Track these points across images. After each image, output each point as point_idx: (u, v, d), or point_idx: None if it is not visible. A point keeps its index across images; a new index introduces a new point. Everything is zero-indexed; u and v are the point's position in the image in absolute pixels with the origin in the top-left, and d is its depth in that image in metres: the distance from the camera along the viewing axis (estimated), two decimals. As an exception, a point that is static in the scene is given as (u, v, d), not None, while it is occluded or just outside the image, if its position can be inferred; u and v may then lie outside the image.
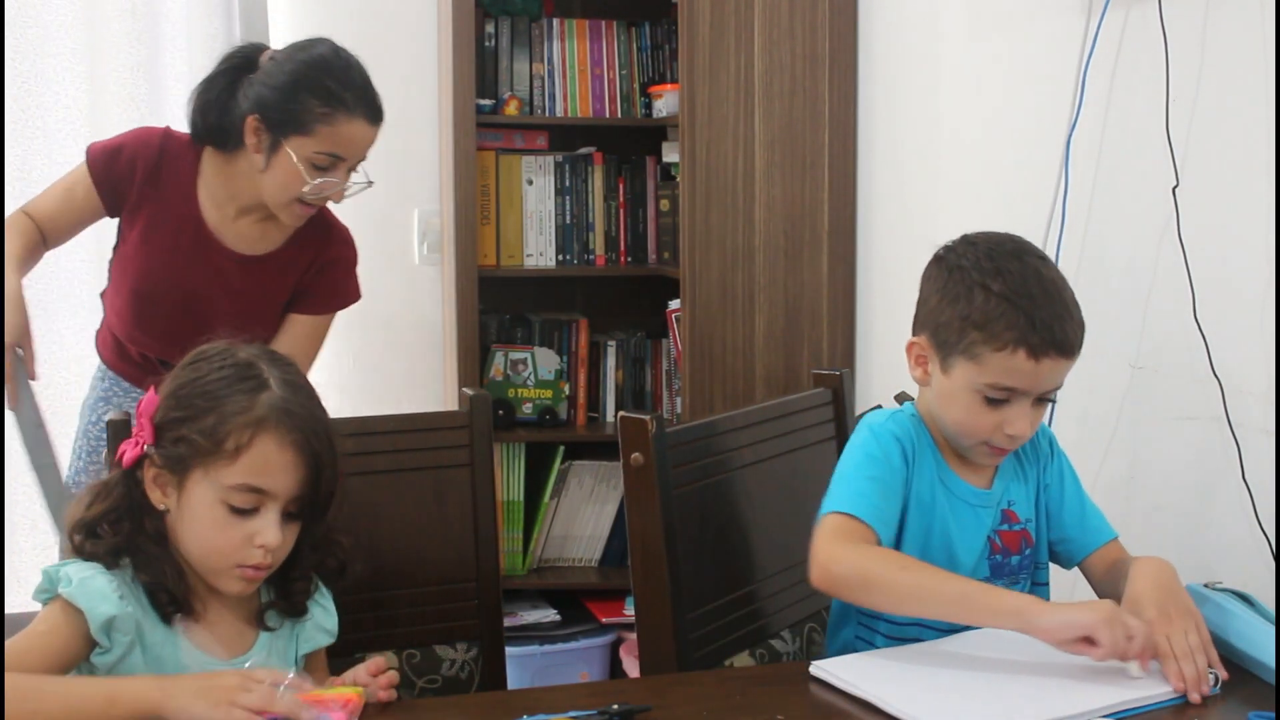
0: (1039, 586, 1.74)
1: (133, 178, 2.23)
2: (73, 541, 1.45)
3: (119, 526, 1.45)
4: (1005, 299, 1.55)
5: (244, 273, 2.28)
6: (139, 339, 2.31)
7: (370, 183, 2.25)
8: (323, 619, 1.54)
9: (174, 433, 1.44)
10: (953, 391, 1.61)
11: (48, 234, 2.30)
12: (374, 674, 1.44)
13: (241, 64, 2.23)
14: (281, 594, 1.51)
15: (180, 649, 1.44)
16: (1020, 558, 1.70)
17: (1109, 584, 1.66)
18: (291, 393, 1.46)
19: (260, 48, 2.27)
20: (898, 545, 1.64)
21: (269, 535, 1.42)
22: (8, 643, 1.38)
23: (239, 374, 1.45)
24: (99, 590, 1.40)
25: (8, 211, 2.28)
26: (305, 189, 2.16)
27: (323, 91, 2.12)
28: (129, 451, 1.47)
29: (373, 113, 2.17)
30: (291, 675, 1.35)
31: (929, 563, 1.59)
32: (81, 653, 1.39)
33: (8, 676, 1.31)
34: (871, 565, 1.53)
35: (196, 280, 2.25)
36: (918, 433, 1.67)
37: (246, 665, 1.46)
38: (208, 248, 2.25)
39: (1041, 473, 1.74)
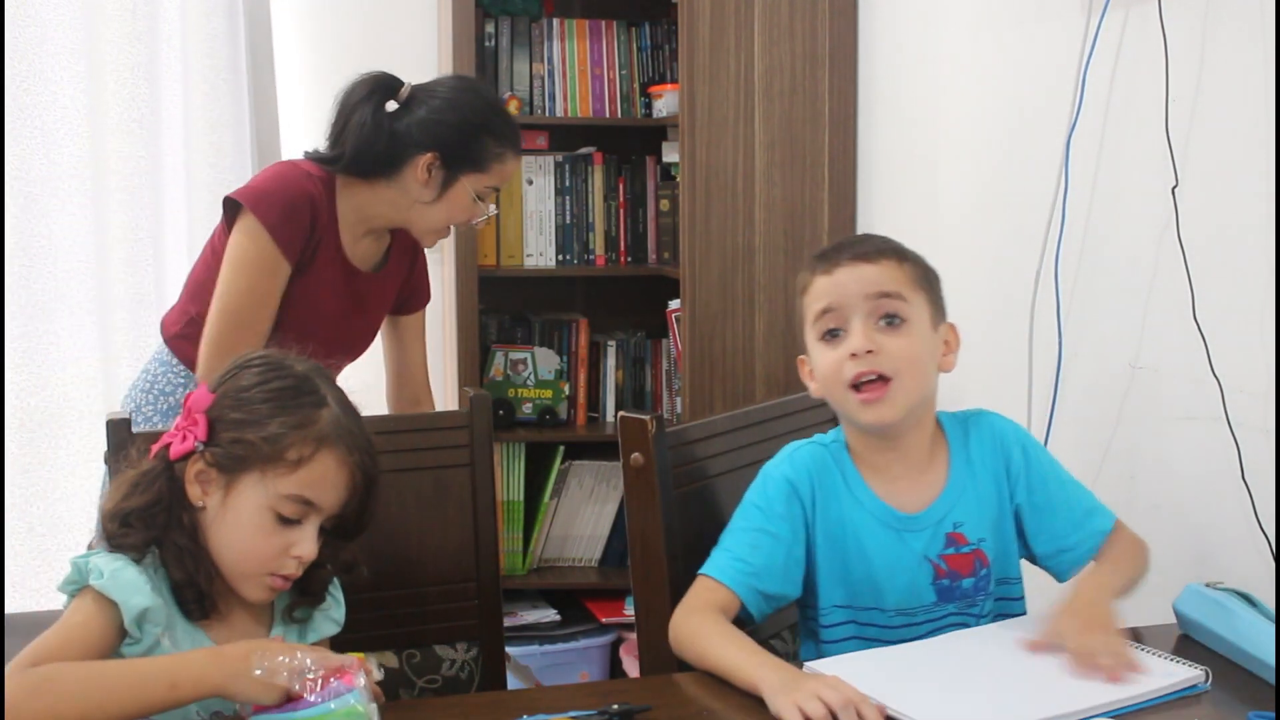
0: (1009, 601, 1.69)
1: (314, 230, 2.20)
2: (106, 530, 1.46)
3: (154, 519, 1.45)
4: (808, 261, 1.69)
5: (372, 290, 2.34)
6: None
7: (492, 213, 2.37)
8: (331, 608, 1.57)
9: (232, 434, 1.46)
10: (811, 350, 1.67)
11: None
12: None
13: (378, 93, 2.24)
14: (301, 590, 1.53)
15: (199, 645, 1.45)
16: (975, 580, 1.66)
17: None
18: (348, 414, 1.50)
19: (394, 79, 2.27)
20: (814, 579, 1.65)
21: (306, 548, 1.46)
22: (44, 636, 1.39)
23: (300, 387, 1.49)
24: (131, 582, 1.41)
25: (8, 214, 2.27)
26: (472, 220, 2.30)
27: (499, 134, 2.28)
28: (176, 445, 1.48)
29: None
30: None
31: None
32: (114, 644, 1.40)
33: (68, 666, 1.34)
34: (677, 638, 1.57)
35: (346, 308, 2.30)
36: (835, 459, 1.68)
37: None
38: (351, 275, 2.29)
39: (1013, 492, 1.69)
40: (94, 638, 1.39)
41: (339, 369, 2.31)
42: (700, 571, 1.63)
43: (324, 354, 1.58)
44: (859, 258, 1.63)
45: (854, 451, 1.69)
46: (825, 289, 1.64)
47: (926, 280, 1.67)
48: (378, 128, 2.22)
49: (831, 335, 1.63)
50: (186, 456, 1.47)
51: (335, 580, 1.58)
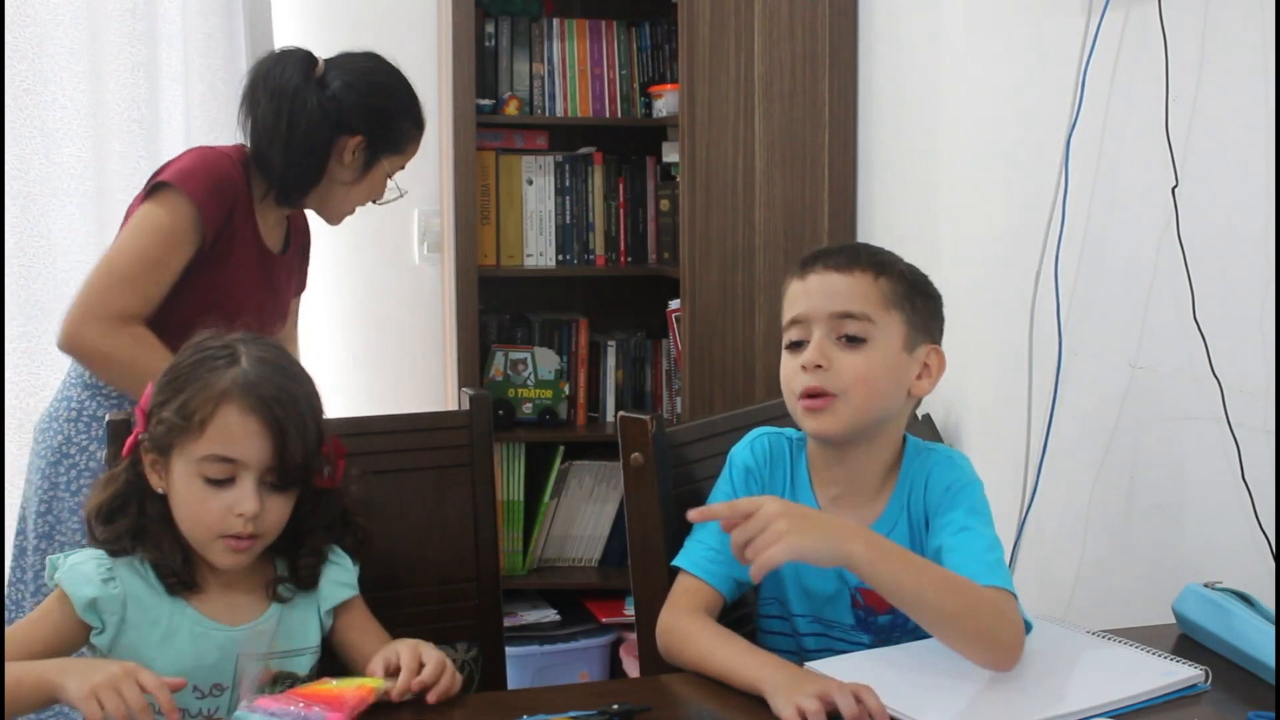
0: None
1: (234, 213, 2.17)
2: (91, 528, 1.54)
3: (127, 511, 1.54)
4: (794, 264, 1.66)
5: (280, 272, 2.33)
6: None
7: (402, 193, 2.35)
8: (339, 575, 1.60)
9: (156, 416, 1.52)
10: (781, 361, 1.64)
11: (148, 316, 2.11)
12: (415, 676, 1.43)
13: (304, 73, 2.18)
14: (291, 570, 1.58)
15: (189, 619, 1.52)
16: (892, 618, 1.61)
17: None
18: (259, 368, 1.52)
19: (311, 55, 2.21)
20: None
21: (246, 504, 1.49)
22: (7, 628, 1.48)
23: (215, 354, 1.53)
24: (83, 574, 1.49)
25: (8, 214, 2.27)
26: (380, 201, 2.30)
27: (416, 118, 2.29)
28: (129, 442, 1.56)
29: None
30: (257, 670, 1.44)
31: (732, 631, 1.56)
32: (75, 633, 1.49)
33: None
34: (669, 644, 1.57)
35: (263, 292, 2.28)
36: (792, 455, 1.67)
37: (259, 629, 1.54)
38: (265, 258, 2.27)
39: (930, 535, 1.59)
40: (47, 630, 1.48)
41: None
42: (676, 564, 1.63)
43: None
44: (833, 267, 1.60)
45: (809, 455, 1.68)
46: (797, 296, 1.62)
47: (908, 299, 1.61)
48: (322, 111, 2.15)
49: (796, 346, 1.61)
50: (137, 450, 1.55)
51: (338, 550, 1.61)
